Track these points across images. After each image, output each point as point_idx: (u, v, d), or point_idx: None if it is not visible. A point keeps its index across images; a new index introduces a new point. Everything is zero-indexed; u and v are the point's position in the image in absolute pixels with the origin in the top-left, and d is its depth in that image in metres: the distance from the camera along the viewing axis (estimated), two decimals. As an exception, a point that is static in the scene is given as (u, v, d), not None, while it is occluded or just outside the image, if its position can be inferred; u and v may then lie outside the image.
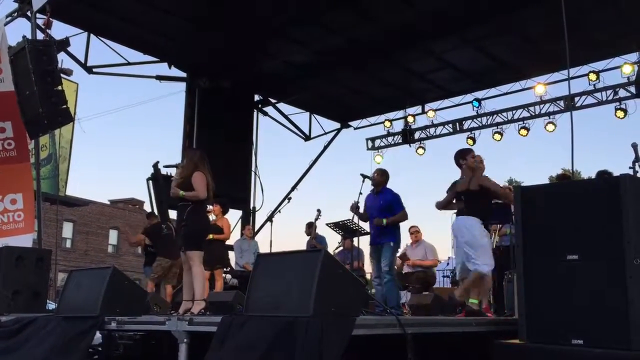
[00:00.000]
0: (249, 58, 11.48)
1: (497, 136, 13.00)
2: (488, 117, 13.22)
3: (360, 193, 7.64)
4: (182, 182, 6.01)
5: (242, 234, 11.40)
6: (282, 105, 14.10)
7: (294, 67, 11.95)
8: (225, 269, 9.46)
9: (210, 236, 8.19)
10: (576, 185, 4.75)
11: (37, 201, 9.39)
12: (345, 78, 12.52)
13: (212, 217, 8.76)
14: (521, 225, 4.12)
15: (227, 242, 9.70)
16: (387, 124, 14.42)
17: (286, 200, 12.41)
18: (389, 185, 7.55)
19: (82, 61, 10.82)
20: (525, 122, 12.69)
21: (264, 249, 10.51)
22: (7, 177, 9.14)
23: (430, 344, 4.34)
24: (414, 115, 14.04)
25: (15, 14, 9.89)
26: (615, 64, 11.24)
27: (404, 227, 7.69)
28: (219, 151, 11.21)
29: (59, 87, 7.90)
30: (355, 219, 7.81)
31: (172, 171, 6.26)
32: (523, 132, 12.61)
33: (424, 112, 13.95)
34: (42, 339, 5.50)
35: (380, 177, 7.49)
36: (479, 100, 12.99)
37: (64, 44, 8.97)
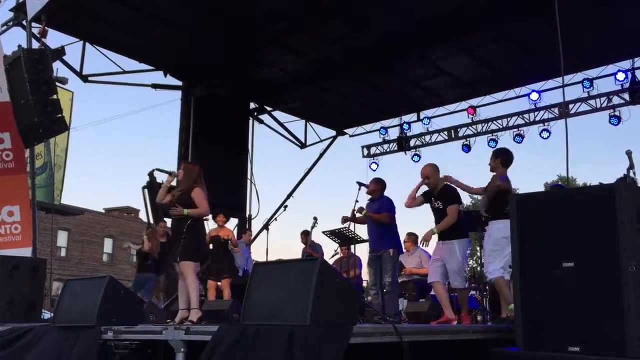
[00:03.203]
0: (244, 66, 11.50)
1: (492, 143, 13.02)
2: (483, 124, 13.25)
3: (357, 201, 7.68)
4: (181, 197, 6.04)
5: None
6: (277, 113, 14.09)
7: (290, 75, 11.97)
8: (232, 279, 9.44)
9: (230, 246, 8.24)
10: (571, 193, 4.78)
11: (32, 210, 9.35)
12: (341, 86, 12.54)
13: (213, 225, 8.76)
14: (516, 232, 4.13)
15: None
16: (383, 131, 14.46)
17: (282, 208, 12.39)
18: (386, 193, 7.62)
19: (78, 70, 10.79)
20: (520, 129, 12.72)
21: (260, 257, 10.50)
22: (5, 188, 9.08)
23: (427, 352, 4.34)
24: (409, 123, 14.07)
25: (11, 22, 9.90)
26: (609, 71, 11.32)
27: (400, 235, 7.71)
28: (215, 159, 11.21)
29: (55, 96, 7.91)
30: (352, 227, 7.82)
31: (166, 177, 6.28)
32: (518, 139, 12.67)
33: (419, 119, 13.98)
34: (39, 349, 5.48)
35: (374, 186, 7.61)
36: (473, 108, 13.03)
37: (59, 53, 8.98)
